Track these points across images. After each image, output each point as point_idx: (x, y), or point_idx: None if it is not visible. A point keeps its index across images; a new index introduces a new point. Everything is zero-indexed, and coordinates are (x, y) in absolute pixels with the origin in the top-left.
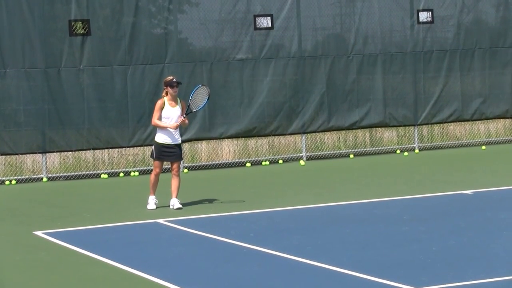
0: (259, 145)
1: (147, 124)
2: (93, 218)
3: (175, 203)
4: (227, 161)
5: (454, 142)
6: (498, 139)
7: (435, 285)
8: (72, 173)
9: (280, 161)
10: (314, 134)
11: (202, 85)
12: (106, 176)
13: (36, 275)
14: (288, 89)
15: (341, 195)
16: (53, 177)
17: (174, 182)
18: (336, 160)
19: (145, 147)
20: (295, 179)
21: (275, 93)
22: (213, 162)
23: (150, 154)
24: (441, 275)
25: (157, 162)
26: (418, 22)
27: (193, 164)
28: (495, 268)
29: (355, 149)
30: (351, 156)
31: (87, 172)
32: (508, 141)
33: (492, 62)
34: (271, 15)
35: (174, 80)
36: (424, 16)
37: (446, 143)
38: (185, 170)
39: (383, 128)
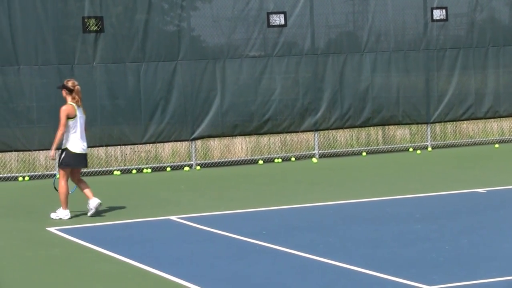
0: (272, 143)
1: (160, 121)
2: (106, 214)
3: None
4: (239, 159)
5: (467, 140)
6: (511, 137)
7: (446, 283)
8: (85, 170)
9: (293, 159)
10: (326, 131)
11: None
12: (118, 173)
13: (49, 271)
14: (301, 86)
15: (353, 193)
16: None
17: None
18: (348, 157)
19: (157, 144)
20: (307, 177)
21: (288, 90)
22: (226, 160)
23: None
24: (453, 274)
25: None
26: (432, 20)
27: (206, 161)
28: (508, 267)
29: (367, 146)
30: (364, 154)
31: (100, 169)
32: None
33: (505, 60)
34: (284, 13)
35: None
36: (438, 14)
37: (459, 141)
38: (198, 167)
39: (396, 126)
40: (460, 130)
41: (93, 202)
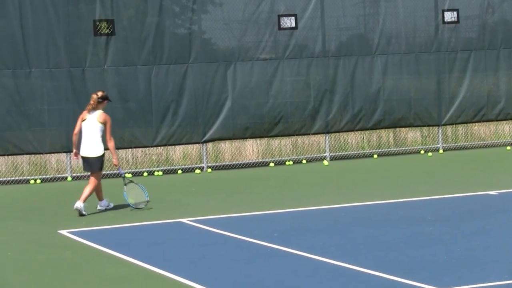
0: (283, 145)
1: (171, 124)
2: (118, 217)
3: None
4: (250, 161)
5: (478, 142)
6: None
7: (458, 286)
8: None
9: (304, 161)
10: (337, 134)
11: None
12: (130, 175)
13: (61, 274)
14: (312, 89)
15: (364, 195)
16: (78, 177)
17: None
18: (359, 160)
19: (169, 147)
20: (318, 179)
21: (298, 93)
22: (237, 162)
23: (102, 165)
24: (465, 276)
25: None
26: (443, 22)
27: (217, 164)
28: None
29: (379, 149)
30: (375, 156)
31: (111, 172)
32: None
33: None
34: (295, 15)
35: None
36: (449, 16)
37: (470, 143)
38: (209, 170)
39: (407, 128)
40: (472, 132)
41: (99, 205)
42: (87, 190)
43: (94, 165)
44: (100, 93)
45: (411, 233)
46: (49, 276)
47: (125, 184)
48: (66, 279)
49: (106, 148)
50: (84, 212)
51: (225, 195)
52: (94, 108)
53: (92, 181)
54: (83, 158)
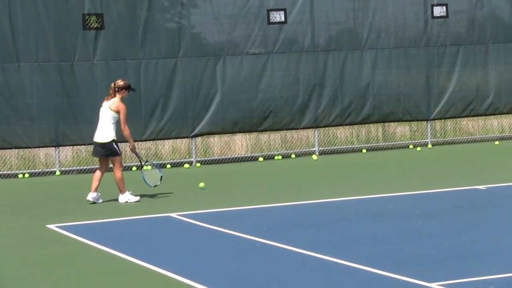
0: (272, 140)
1: (160, 118)
2: (106, 211)
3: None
4: (239, 156)
5: (467, 137)
6: (511, 134)
7: (448, 280)
8: (85, 167)
9: (293, 156)
10: (327, 128)
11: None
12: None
13: (49, 268)
14: (301, 83)
15: (353, 189)
16: (66, 171)
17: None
18: (348, 154)
19: (158, 141)
20: (307, 174)
21: (288, 87)
22: (226, 157)
23: (116, 151)
24: (454, 271)
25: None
26: (432, 17)
27: (206, 158)
28: (509, 263)
29: (367, 144)
30: (364, 151)
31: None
32: None
33: (506, 57)
34: (284, 10)
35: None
36: (438, 10)
37: (459, 138)
38: (198, 164)
39: (396, 123)
40: (460, 127)
41: (90, 196)
42: (119, 184)
43: (104, 151)
44: (117, 82)
45: (400, 228)
46: (37, 271)
47: (142, 167)
48: (54, 274)
49: (122, 140)
50: (136, 199)
51: (214, 190)
52: (113, 97)
53: (115, 172)
54: (95, 144)
